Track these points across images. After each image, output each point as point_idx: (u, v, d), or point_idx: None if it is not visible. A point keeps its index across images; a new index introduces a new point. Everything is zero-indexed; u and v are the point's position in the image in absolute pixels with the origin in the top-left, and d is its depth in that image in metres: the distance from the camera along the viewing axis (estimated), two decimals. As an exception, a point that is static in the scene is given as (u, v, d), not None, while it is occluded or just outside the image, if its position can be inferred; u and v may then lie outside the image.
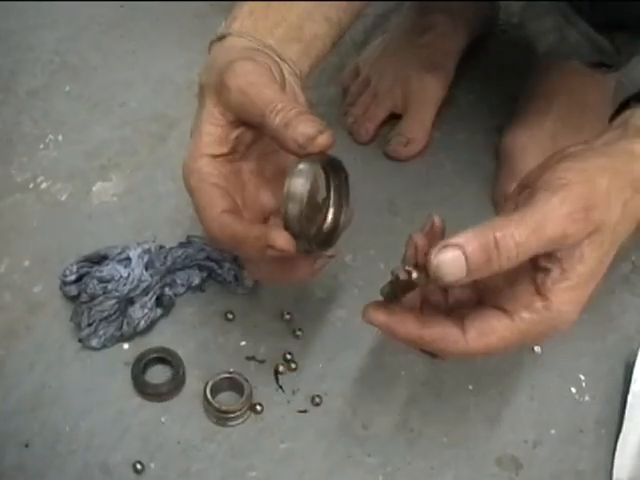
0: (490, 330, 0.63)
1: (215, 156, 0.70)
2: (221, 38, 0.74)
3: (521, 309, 0.63)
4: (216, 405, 0.82)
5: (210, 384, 0.83)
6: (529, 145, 1.00)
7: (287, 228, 0.66)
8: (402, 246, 0.95)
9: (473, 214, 0.99)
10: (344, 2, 0.78)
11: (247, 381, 0.84)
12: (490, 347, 0.64)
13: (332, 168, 0.69)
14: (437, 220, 0.70)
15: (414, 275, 0.62)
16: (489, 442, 0.84)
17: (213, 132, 0.70)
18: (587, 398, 0.87)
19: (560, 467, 0.83)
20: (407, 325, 0.65)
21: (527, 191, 0.64)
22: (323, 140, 0.66)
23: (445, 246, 0.59)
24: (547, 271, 0.62)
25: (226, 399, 0.84)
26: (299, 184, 0.65)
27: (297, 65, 0.74)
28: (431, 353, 0.88)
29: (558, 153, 0.67)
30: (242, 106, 0.68)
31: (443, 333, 0.64)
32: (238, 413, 0.83)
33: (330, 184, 0.71)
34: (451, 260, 0.58)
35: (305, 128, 0.66)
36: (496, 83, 1.11)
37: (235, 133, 0.70)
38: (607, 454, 0.84)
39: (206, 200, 0.69)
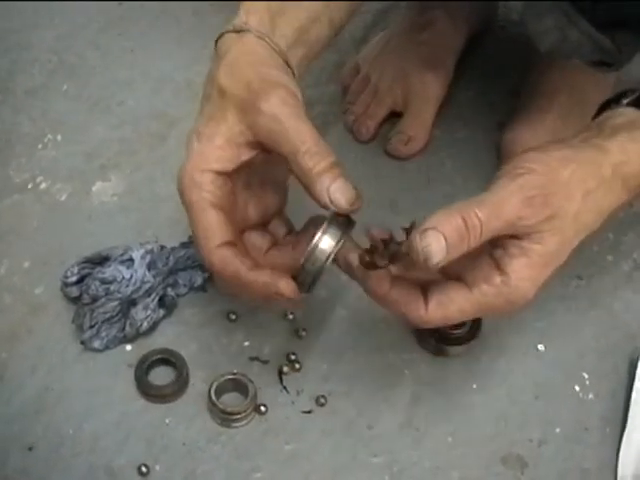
0: (449, 301, 0.67)
1: (219, 173, 0.70)
2: (239, 31, 0.73)
3: (480, 282, 0.67)
4: (221, 406, 0.82)
5: (215, 385, 0.83)
6: (530, 143, 0.99)
7: (297, 275, 0.69)
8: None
9: (475, 212, 0.99)
10: (345, 2, 0.78)
11: (252, 382, 0.83)
12: (448, 317, 0.68)
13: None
14: (376, 232, 0.71)
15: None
16: (494, 441, 0.84)
17: (227, 148, 0.69)
18: (591, 396, 0.87)
19: (565, 465, 0.83)
20: (381, 280, 0.68)
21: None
22: (358, 205, 0.68)
23: (425, 230, 0.63)
24: (505, 247, 0.66)
25: (231, 400, 0.84)
26: (328, 246, 0.68)
27: (297, 69, 0.74)
28: (433, 351, 0.88)
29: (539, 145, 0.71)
30: (272, 134, 0.68)
31: (407, 298, 0.68)
32: (243, 414, 0.82)
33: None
34: (434, 241, 0.63)
35: (345, 190, 0.67)
36: (495, 80, 1.10)
37: (249, 155, 0.70)
38: (612, 452, 0.83)
39: (206, 225, 0.69)
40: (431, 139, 1.05)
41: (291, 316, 0.90)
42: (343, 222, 0.69)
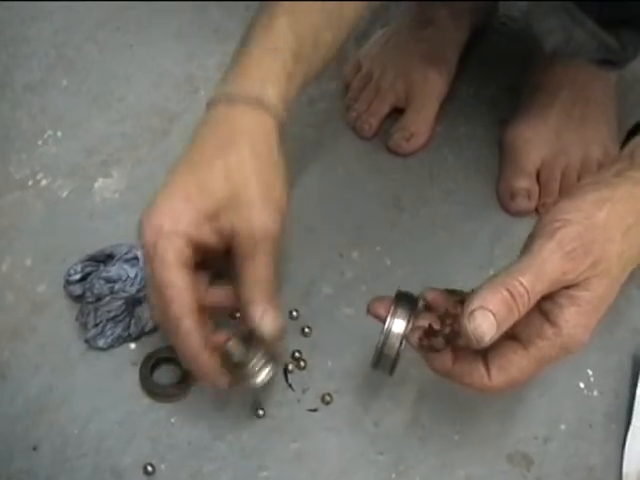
0: (508, 363, 0.67)
1: (192, 241, 0.71)
2: (230, 98, 0.74)
3: (534, 338, 0.66)
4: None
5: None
6: (532, 139, 1.00)
7: (376, 360, 0.71)
8: (408, 242, 0.96)
9: (478, 209, 0.99)
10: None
11: None
12: (511, 379, 0.67)
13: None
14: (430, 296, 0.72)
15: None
16: (500, 439, 0.84)
17: (201, 219, 0.71)
18: (596, 393, 0.88)
19: (571, 462, 0.84)
20: (443, 357, 0.69)
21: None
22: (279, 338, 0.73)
23: (472, 312, 0.63)
24: (553, 299, 0.65)
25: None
26: (401, 329, 0.70)
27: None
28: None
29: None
30: (244, 247, 0.71)
31: (469, 369, 0.68)
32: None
33: None
34: (483, 322, 0.63)
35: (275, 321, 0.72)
36: (496, 76, 1.10)
37: (214, 242, 0.72)
38: (617, 448, 0.84)
39: (180, 288, 0.70)
40: (433, 135, 1.04)
41: (295, 314, 0.89)
42: (408, 300, 0.71)
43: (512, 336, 0.67)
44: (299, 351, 0.87)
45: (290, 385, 0.86)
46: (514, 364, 0.66)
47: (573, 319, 0.65)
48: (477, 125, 1.06)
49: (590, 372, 0.88)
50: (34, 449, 0.80)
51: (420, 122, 1.03)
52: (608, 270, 0.65)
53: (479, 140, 1.05)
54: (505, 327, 0.64)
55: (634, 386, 0.86)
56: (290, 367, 0.86)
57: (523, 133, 1.00)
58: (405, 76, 1.03)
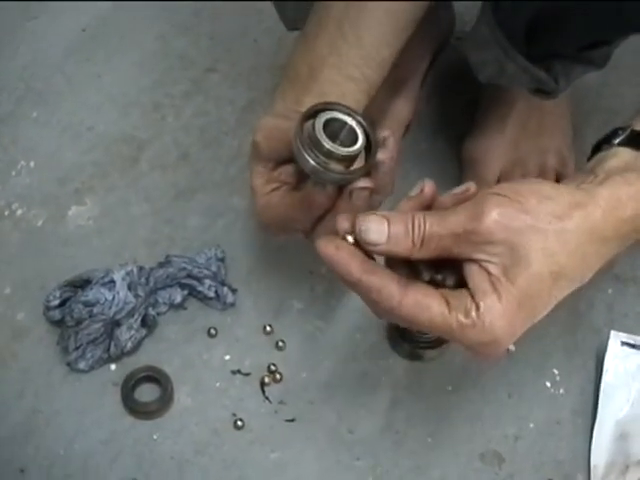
0: (426, 308, 0.64)
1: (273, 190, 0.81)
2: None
3: (460, 309, 0.64)
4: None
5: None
6: (490, 151, 1.02)
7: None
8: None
9: (441, 219, 1.02)
10: (368, 58, 0.82)
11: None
12: (417, 320, 0.65)
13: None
14: (429, 186, 0.71)
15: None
16: (472, 439, 0.87)
17: (260, 183, 0.80)
18: (562, 391, 0.91)
19: (541, 458, 0.87)
20: (351, 265, 0.66)
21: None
22: None
23: (374, 213, 0.66)
24: (477, 286, 0.64)
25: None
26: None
27: None
28: (408, 356, 0.91)
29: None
30: (271, 149, 0.79)
31: (381, 285, 0.65)
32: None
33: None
34: (375, 222, 0.65)
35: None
36: (455, 91, 1.13)
37: (276, 172, 0.80)
38: (584, 442, 0.87)
39: None
40: (400, 161, 1.06)
41: (269, 329, 0.92)
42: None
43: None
44: (274, 364, 0.90)
45: (267, 397, 0.88)
46: (430, 312, 0.64)
47: (495, 306, 0.62)
48: (437, 139, 1.09)
49: (556, 371, 0.92)
50: (21, 471, 0.82)
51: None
52: (528, 261, 0.62)
53: (440, 155, 1.08)
54: (395, 246, 0.64)
55: (598, 383, 0.90)
56: (266, 380, 0.89)
57: (481, 144, 1.03)
58: (372, 104, 1.05)
